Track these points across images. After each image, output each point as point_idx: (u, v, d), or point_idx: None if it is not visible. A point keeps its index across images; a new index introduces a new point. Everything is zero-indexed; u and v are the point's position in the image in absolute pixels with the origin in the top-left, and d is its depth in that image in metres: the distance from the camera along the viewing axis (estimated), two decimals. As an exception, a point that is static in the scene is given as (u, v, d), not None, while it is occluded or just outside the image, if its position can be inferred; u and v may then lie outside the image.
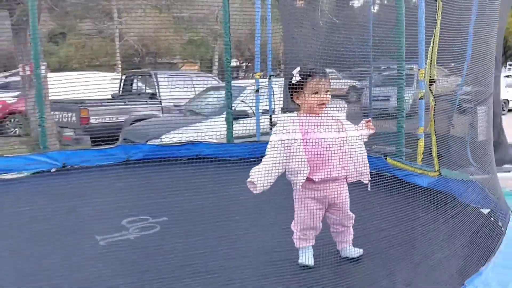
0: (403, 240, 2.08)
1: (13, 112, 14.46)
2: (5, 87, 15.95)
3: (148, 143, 4.53)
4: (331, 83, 2.26)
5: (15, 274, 1.91)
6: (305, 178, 1.98)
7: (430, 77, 2.61)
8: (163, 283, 1.78)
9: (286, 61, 6.95)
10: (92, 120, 8.98)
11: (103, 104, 9.35)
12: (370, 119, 2.26)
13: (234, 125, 7.24)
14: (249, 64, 25.63)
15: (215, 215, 2.65)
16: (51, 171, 3.86)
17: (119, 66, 19.43)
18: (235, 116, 7.41)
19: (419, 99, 3.87)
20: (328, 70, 8.07)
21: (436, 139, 2.61)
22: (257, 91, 5.32)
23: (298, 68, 2.15)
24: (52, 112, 8.66)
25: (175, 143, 4.42)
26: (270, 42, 6.27)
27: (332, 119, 2.13)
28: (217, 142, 4.43)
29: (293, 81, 2.09)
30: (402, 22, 3.61)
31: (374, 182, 2.57)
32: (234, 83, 10.22)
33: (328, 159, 2.05)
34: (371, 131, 2.23)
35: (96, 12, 17.00)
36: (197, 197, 3.01)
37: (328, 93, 2.16)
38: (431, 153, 2.95)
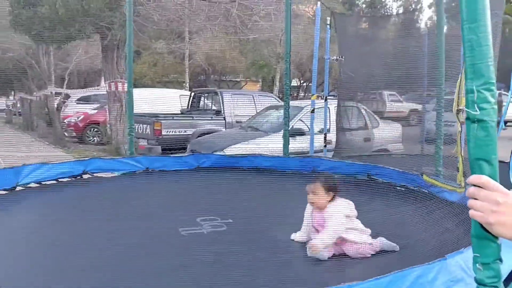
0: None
1: (93, 122, 15.98)
2: (87, 100, 17.61)
3: (215, 153, 5.21)
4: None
5: (129, 243, 2.56)
6: None
7: (458, 105, 3.07)
8: (229, 269, 2.31)
9: (342, 83, 7.48)
10: (164, 132, 9.91)
11: (174, 118, 10.30)
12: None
13: (291, 141, 7.85)
14: (309, 84, 26.21)
15: (271, 218, 3.16)
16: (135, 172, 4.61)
17: (187, 83, 20.64)
18: (292, 134, 8.04)
19: (461, 123, 4.27)
20: (389, 92, 8.48)
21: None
22: (313, 111, 5.89)
23: None
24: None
25: (239, 155, 5.07)
26: (328, 65, 6.82)
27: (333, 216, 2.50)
28: (275, 156, 5.02)
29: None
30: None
31: (412, 195, 3.08)
32: (293, 103, 10.88)
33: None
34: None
35: (170, 34, 18.31)
36: (256, 203, 3.62)
37: (313, 195, 2.56)
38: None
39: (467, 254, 1.83)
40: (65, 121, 16.21)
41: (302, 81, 25.84)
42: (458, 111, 3.10)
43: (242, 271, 2.20)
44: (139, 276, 2.18)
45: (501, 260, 1.19)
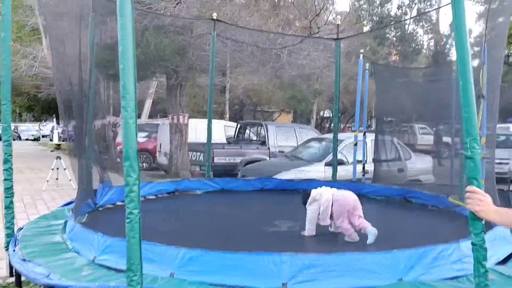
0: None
1: (143, 149, 17.41)
2: (140, 129, 19.11)
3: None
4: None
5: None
6: None
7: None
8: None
9: (377, 118, 8.53)
10: (216, 159, 11.10)
11: (224, 147, 11.52)
12: None
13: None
14: (341, 116, 27.23)
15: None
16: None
17: (227, 114, 21.93)
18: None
19: (482, 158, 5.25)
20: (421, 126, 9.48)
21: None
22: (356, 144, 6.95)
23: None
24: (189, 152, 10.99)
25: (296, 179, 6.19)
26: (367, 102, 7.88)
27: None
28: (326, 181, 6.09)
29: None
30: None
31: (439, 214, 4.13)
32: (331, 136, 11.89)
33: None
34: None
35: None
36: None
37: None
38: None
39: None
40: (117, 147, 17.71)
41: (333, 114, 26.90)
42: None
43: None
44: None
45: (484, 232, 2.25)
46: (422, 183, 8.57)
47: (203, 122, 17.25)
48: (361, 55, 6.91)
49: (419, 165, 9.31)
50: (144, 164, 17.31)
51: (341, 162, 8.81)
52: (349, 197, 3.57)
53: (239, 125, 13.74)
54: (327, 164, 8.96)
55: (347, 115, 27.62)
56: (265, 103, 25.11)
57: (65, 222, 3.90)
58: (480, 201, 2.15)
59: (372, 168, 7.78)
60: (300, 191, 5.83)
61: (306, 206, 3.69)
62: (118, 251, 2.88)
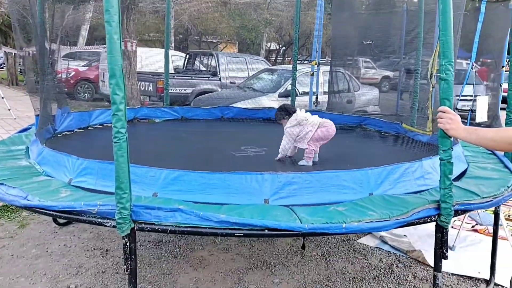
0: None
1: (84, 79, 16.61)
2: (72, 57, 18.02)
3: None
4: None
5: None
6: None
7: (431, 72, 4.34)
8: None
9: (333, 49, 8.63)
10: (166, 89, 10.87)
11: (175, 77, 11.27)
12: None
13: (286, 101, 9.01)
14: (287, 48, 27.19)
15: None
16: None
17: (172, 43, 21.19)
18: (285, 95, 9.21)
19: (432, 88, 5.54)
20: (363, 59, 9.84)
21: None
22: (312, 74, 7.07)
23: None
24: (138, 82, 10.66)
25: (255, 108, 6.26)
26: (321, 32, 7.91)
27: None
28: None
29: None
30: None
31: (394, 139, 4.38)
32: (284, 67, 11.94)
33: None
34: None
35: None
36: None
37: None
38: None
39: (433, 160, 3.12)
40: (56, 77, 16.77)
41: (281, 45, 26.77)
42: (431, 76, 4.37)
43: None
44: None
45: (452, 148, 2.45)
46: (369, 114, 8.95)
47: (148, 50, 16.56)
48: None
49: (367, 97, 9.68)
50: (85, 94, 16.64)
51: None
52: (333, 127, 3.68)
53: (188, 55, 13.41)
54: (280, 95, 9.11)
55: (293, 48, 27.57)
56: (212, 33, 24.45)
57: (27, 148, 3.78)
58: (450, 120, 2.33)
59: (323, 100, 8.00)
60: (260, 120, 6.02)
61: (285, 128, 3.75)
62: (95, 173, 2.88)
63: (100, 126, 5.14)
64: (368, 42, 5.38)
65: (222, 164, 3.63)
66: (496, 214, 3.52)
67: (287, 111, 3.82)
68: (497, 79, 7.96)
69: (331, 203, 2.62)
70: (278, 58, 26.28)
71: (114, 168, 2.58)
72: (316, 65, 7.23)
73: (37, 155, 3.34)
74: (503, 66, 7.46)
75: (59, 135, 4.46)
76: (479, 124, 6.00)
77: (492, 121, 7.40)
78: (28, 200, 2.57)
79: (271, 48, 27.55)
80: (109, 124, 5.25)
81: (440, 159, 2.47)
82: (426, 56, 6.55)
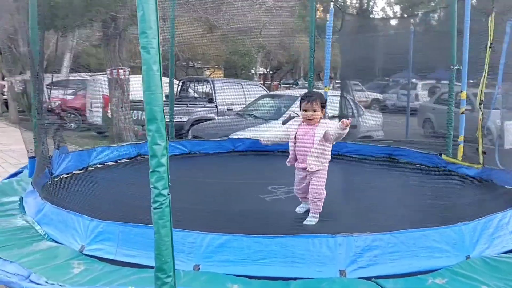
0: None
1: (70, 108, 15.90)
2: (56, 85, 17.28)
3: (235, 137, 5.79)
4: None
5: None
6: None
7: (480, 98, 3.87)
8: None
9: (341, 75, 8.22)
10: (160, 118, 10.26)
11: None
12: (349, 120, 2.74)
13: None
14: (274, 73, 26.96)
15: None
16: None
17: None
18: (289, 121, 8.68)
19: (461, 113, 5.08)
20: (353, 82, 9.27)
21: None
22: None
23: (303, 93, 3.01)
24: (131, 111, 10.04)
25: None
26: (329, 59, 7.47)
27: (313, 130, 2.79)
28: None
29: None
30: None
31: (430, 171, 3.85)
32: (285, 92, 11.50)
33: (301, 156, 2.87)
34: (345, 127, 2.71)
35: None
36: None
37: (313, 112, 2.79)
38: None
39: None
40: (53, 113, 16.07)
41: (268, 70, 26.52)
42: (480, 102, 3.90)
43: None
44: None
45: None
46: (374, 139, 8.52)
47: (136, 77, 16.02)
48: (332, 3, 6.42)
49: (371, 121, 9.23)
50: (72, 124, 15.90)
51: (299, 120, 8.49)
52: None
53: (181, 82, 12.86)
54: (284, 122, 8.59)
55: (281, 73, 27.36)
56: (200, 58, 24.03)
57: (21, 199, 3.14)
58: None
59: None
60: (276, 152, 5.45)
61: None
62: (115, 239, 2.26)
63: (101, 165, 4.52)
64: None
65: (255, 215, 3.04)
66: None
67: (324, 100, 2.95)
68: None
69: (422, 272, 2.06)
70: (266, 82, 25.97)
71: (139, 232, 1.99)
72: (328, 91, 6.75)
73: (36, 212, 2.71)
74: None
75: (55, 179, 3.82)
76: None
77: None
78: (32, 282, 1.94)
79: (259, 72, 27.33)
80: (110, 163, 4.66)
81: None
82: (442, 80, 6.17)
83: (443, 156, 4.51)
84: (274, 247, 2.07)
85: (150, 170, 1.66)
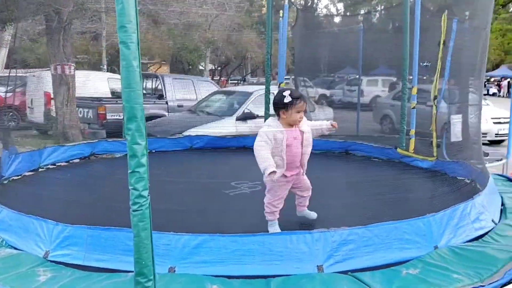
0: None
1: (8, 106, 15.00)
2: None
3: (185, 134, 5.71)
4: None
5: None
6: (281, 173, 2.48)
7: (435, 94, 4.04)
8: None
9: (294, 71, 8.30)
10: (109, 116, 9.91)
11: (118, 102, 10.32)
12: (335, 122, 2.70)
13: (242, 125, 8.51)
14: (222, 68, 26.88)
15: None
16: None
17: (105, 65, 20.04)
18: (244, 117, 8.69)
19: (412, 108, 5.28)
20: (301, 78, 9.47)
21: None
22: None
23: (289, 91, 2.56)
24: (77, 109, 9.63)
25: (228, 135, 5.65)
26: (284, 55, 7.50)
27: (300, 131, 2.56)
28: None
29: (285, 100, 2.49)
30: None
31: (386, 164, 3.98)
32: (239, 88, 11.48)
33: (296, 162, 2.57)
34: (332, 129, 2.70)
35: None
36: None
37: (303, 113, 2.59)
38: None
39: (482, 197, 2.73)
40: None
41: (216, 66, 26.37)
42: (434, 97, 4.07)
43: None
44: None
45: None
46: (326, 134, 8.66)
47: (81, 73, 15.42)
48: (286, 1, 6.45)
49: (322, 117, 9.40)
50: (11, 123, 15.03)
51: (252, 116, 8.49)
52: None
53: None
54: (238, 119, 8.56)
55: (229, 68, 27.29)
56: (145, 53, 23.48)
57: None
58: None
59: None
60: (234, 148, 5.41)
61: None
62: (83, 243, 2.15)
63: (53, 166, 4.30)
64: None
65: (224, 211, 3.01)
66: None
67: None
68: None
69: (395, 263, 2.11)
70: (214, 78, 25.82)
71: (110, 236, 1.92)
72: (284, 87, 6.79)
73: (-9, 218, 2.52)
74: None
75: (5, 182, 3.59)
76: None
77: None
78: (-5, 294, 1.81)
79: (208, 68, 27.13)
80: (63, 164, 4.44)
81: None
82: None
83: (399, 150, 4.67)
84: (251, 245, 2.04)
85: (129, 171, 1.58)
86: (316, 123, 2.74)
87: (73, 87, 9.26)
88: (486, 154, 7.57)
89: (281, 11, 7.05)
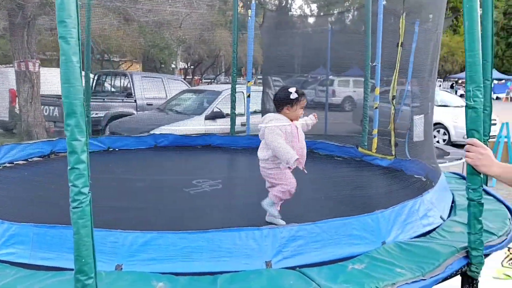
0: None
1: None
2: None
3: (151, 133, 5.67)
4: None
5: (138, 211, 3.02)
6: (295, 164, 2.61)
7: (393, 94, 4.12)
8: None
9: (264, 70, 8.32)
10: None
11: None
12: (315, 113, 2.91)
13: (211, 123, 8.51)
14: (196, 67, 26.72)
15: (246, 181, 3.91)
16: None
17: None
18: (213, 116, 8.68)
19: (374, 108, 5.38)
20: (274, 78, 9.53)
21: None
22: (249, 96, 6.61)
23: (294, 88, 2.72)
24: (42, 106, 9.43)
25: (193, 134, 5.63)
26: (252, 54, 7.52)
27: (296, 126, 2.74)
28: (225, 135, 5.67)
29: (292, 96, 2.67)
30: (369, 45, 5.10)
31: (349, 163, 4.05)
32: (208, 87, 11.42)
33: (303, 154, 2.74)
34: (315, 121, 2.91)
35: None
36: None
37: None
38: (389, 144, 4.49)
39: (431, 194, 2.81)
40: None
41: (190, 64, 26.20)
42: (393, 97, 4.15)
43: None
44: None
45: (482, 186, 2.12)
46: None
47: (50, 70, 15.11)
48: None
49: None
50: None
51: (221, 115, 8.49)
52: None
53: (96, 75, 12.29)
54: (207, 118, 8.55)
55: (202, 67, 27.15)
56: (115, 51, 23.11)
57: None
58: (481, 154, 2.00)
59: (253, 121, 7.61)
60: (199, 147, 5.39)
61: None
62: (29, 242, 2.11)
63: (10, 165, 4.20)
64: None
65: (181, 209, 3.01)
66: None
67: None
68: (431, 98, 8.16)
69: (343, 258, 2.16)
70: (187, 77, 25.63)
71: (56, 233, 1.90)
72: (251, 86, 6.79)
73: None
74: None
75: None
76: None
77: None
78: None
79: (180, 67, 26.90)
80: (21, 162, 4.34)
81: (469, 199, 2.12)
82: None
83: (360, 149, 4.76)
84: (200, 242, 2.05)
85: (69, 168, 1.57)
86: (302, 120, 2.86)
87: (37, 84, 9.06)
88: (447, 153, 7.80)
89: (249, 10, 7.07)
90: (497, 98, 31.97)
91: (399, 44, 4.05)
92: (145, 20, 13.82)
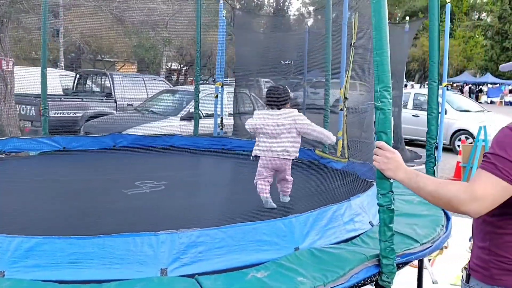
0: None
1: None
2: None
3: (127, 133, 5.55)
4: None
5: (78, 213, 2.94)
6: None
7: (345, 95, 4.02)
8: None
9: (236, 69, 8.22)
10: (51, 114, 9.61)
11: (62, 99, 10.05)
12: None
13: (187, 124, 8.39)
14: (188, 68, 26.59)
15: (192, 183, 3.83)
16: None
17: (62, 62, 19.57)
18: (188, 117, 8.57)
19: (340, 110, 5.28)
20: (265, 80, 9.49)
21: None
22: (216, 96, 6.52)
23: (287, 87, 3.42)
24: (18, 106, 9.33)
25: (153, 135, 5.52)
26: (224, 54, 7.43)
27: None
28: (188, 136, 5.56)
29: (291, 95, 3.36)
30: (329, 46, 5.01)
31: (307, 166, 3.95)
32: (185, 88, 11.30)
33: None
34: None
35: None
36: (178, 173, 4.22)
37: None
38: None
39: (362, 198, 2.70)
40: None
41: (182, 65, 26.08)
42: (345, 99, 4.05)
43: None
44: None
45: (392, 192, 2.01)
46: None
47: (31, 70, 15.04)
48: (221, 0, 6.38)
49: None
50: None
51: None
52: None
53: (78, 75, 12.19)
54: (183, 118, 8.44)
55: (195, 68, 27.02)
56: (107, 51, 23.02)
57: None
58: (387, 158, 1.88)
59: (229, 123, 7.51)
60: (158, 148, 5.28)
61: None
62: None
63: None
64: (287, 62, 4.93)
65: (109, 212, 2.90)
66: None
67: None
68: (398, 100, 8.12)
69: (249, 265, 2.04)
70: (180, 78, 25.53)
71: None
72: (220, 86, 6.70)
73: None
74: (405, 86, 7.58)
75: None
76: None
77: (397, 144, 7.47)
78: None
79: (172, 68, 26.83)
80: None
81: (379, 204, 2.01)
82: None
83: (316, 151, 4.65)
84: (90, 248, 1.93)
85: None
86: None
87: (11, 83, 8.96)
88: (419, 157, 7.71)
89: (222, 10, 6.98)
90: (491, 102, 31.98)
91: (352, 45, 3.95)
92: (131, 20, 13.75)
